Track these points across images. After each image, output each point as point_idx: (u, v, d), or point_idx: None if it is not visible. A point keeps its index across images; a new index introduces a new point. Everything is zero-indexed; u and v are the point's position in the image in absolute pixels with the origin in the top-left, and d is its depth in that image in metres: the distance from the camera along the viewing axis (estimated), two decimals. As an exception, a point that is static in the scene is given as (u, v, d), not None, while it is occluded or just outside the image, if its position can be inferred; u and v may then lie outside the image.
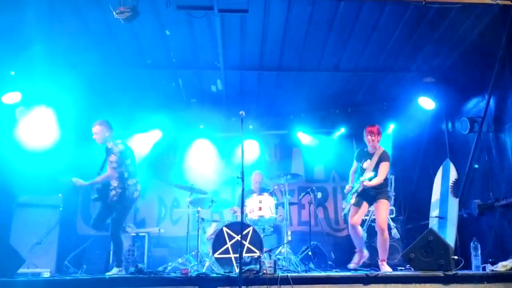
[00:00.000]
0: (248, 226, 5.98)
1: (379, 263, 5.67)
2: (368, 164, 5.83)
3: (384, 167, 5.71)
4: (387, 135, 8.89)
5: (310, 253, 6.90)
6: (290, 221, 7.23)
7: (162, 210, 8.93)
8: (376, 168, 5.71)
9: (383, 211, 5.69)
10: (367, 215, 7.24)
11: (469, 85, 6.56)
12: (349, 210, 5.96)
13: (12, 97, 6.88)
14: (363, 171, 5.87)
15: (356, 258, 6.04)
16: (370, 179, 5.62)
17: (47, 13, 5.70)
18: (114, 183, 5.76)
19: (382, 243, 5.64)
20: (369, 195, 5.80)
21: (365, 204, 5.90)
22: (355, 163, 6.17)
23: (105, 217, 5.82)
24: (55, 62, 6.59)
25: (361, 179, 5.71)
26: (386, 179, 5.81)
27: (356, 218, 5.86)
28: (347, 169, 8.02)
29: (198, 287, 4.26)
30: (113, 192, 5.74)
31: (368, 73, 7.53)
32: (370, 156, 5.88)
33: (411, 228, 8.02)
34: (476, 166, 6.16)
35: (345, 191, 6.10)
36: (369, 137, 5.80)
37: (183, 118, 8.68)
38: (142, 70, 7.32)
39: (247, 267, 4.49)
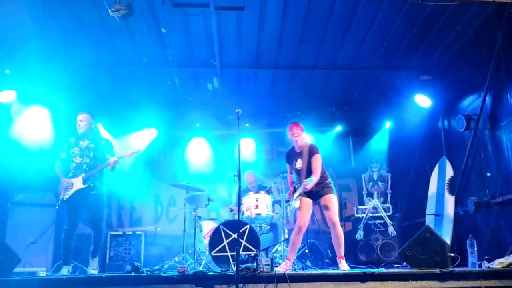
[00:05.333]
0: (245, 224, 5.98)
1: (337, 260, 5.37)
2: (300, 163, 5.56)
3: (317, 161, 5.44)
4: (383, 133, 8.92)
5: (307, 251, 6.92)
6: (286, 219, 7.21)
7: (158, 209, 8.92)
8: (309, 166, 5.47)
9: (332, 205, 5.41)
10: (364, 213, 7.26)
11: (465, 82, 6.57)
12: (294, 213, 5.73)
13: (7, 96, 6.85)
14: (298, 172, 5.61)
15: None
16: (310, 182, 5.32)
17: (41, 11, 5.66)
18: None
19: (336, 239, 5.35)
20: (312, 194, 5.48)
21: (310, 204, 5.54)
22: (288, 166, 5.91)
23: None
24: (50, 60, 6.55)
25: (304, 181, 5.34)
26: (324, 172, 5.55)
27: (305, 221, 5.45)
28: (344, 167, 8.04)
29: (195, 285, 4.25)
30: (103, 188, 5.97)
31: (364, 71, 7.53)
32: (299, 154, 5.63)
33: (408, 225, 8.05)
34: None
35: (288, 197, 5.81)
36: (296, 133, 5.59)
37: (179, 116, 8.68)
38: (137, 68, 7.30)
39: (244, 265, 4.49)
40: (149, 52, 6.81)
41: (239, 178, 4.61)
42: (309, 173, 5.44)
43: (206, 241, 6.37)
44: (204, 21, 5.98)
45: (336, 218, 5.38)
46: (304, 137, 5.66)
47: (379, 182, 7.95)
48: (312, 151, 5.54)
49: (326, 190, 5.47)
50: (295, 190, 5.64)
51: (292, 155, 5.74)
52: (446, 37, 6.42)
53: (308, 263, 6.48)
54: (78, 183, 5.75)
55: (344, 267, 5.24)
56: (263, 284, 4.22)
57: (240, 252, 5.58)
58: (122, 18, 4.99)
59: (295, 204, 5.42)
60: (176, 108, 8.55)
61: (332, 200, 5.44)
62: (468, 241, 5.24)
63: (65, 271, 5.45)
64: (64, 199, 5.73)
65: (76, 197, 5.74)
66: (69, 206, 5.76)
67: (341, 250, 5.34)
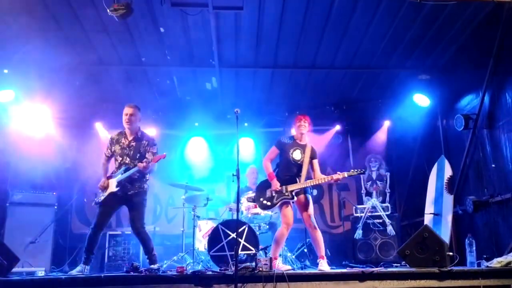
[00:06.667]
0: (244, 223, 5.98)
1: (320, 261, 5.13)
2: (300, 156, 5.32)
3: (318, 165, 5.42)
4: (382, 132, 8.92)
5: (305, 250, 6.92)
6: (285, 219, 7.20)
7: (157, 208, 8.90)
8: (310, 164, 5.37)
9: (312, 205, 5.34)
10: (363, 212, 7.26)
11: (464, 82, 6.58)
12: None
13: (5, 95, 6.85)
14: (294, 164, 5.30)
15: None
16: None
17: (40, 11, 5.66)
18: (148, 176, 5.53)
19: (319, 239, 5.23)
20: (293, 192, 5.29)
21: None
22: (274, 152, 5.49)
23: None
24: (49, 60, 6.55)
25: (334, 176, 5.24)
26: None
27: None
28: (343, 166, 7.98)
29: (194, 285, 4.25)
30: (146, 186, 5.49)
31: (363, 70, 7.54)
32: (301, 147, 5.39)
33: (407, 224, 8.06)
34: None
35: (276, 188, 5.25)
36: (303, 125, 5.36)
37: (178, 115, 8.67)
38: (136, 68, 7.29)
39: (243, 265, 4.49)
40: (148, 51, 6.80)
41: (238, 178, 4.60)
42: (308, 171, 5.34)
43: (205, 240, 6.37)
44: (202, 21, 5.97)
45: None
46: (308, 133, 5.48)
47: (378, 182, 7.95)
48: (315, 154, 5.46)
49: (305, 189, 5.36)
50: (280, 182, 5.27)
51: (291, 144, 5.40)
52: (444, 36, 6.42)
53: (307, 263, 6.49)
54: (112, 186, 5.32)
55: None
56: (262, 283, 4.22)
57: (239, 252, 5.59)
58: (120, 17, 4.99)
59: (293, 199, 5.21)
60: (174, 107, 8.55)
61: (311, 200, 5.37)
62: (466, 240, 5.25)
63: (78, 269, 5.15)
64: (99, 201, 5.34)
65: (111, 200, 5.33)
66: (102, 208, 5.33)
67: (323, 250, 5.19)
